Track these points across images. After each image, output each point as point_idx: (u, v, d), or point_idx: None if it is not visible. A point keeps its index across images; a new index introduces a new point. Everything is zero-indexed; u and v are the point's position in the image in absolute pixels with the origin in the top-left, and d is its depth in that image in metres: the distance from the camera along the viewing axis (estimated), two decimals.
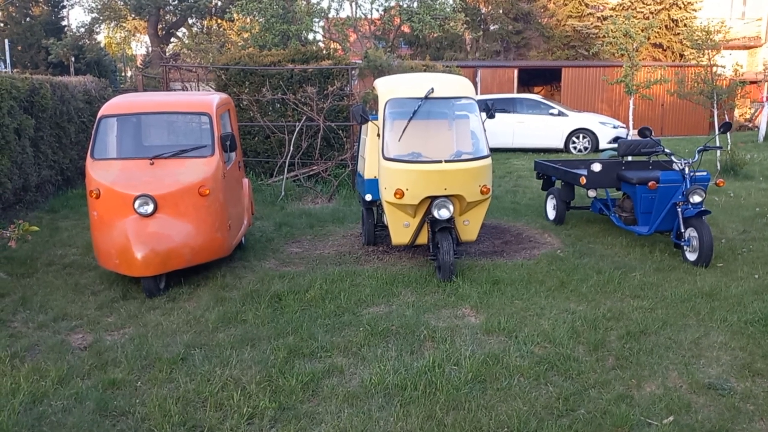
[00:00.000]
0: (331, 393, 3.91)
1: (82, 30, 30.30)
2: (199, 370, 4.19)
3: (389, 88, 6.58)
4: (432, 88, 6.26)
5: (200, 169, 5.94)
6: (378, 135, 6.38)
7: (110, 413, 3.71)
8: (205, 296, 5.66)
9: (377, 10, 23.91)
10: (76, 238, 7.71)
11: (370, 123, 6.66)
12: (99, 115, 6.18)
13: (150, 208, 5.63)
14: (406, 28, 23.55)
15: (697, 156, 6.90)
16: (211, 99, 6.50)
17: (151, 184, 5.73)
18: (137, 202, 5.62)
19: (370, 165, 6.84)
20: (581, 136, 16.68)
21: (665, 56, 27.56)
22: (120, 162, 6.01)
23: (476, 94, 20.52)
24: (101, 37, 36.62)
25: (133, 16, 31.89)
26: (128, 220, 5.63)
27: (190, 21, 32.89)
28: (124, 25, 36.26)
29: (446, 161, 6.03)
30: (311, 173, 10.95)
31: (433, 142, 6.54)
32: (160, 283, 5.72)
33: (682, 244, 6.58)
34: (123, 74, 33.56)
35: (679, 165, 6.67)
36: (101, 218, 5.78)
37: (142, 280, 5.64)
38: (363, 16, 23.67)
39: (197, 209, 5.84)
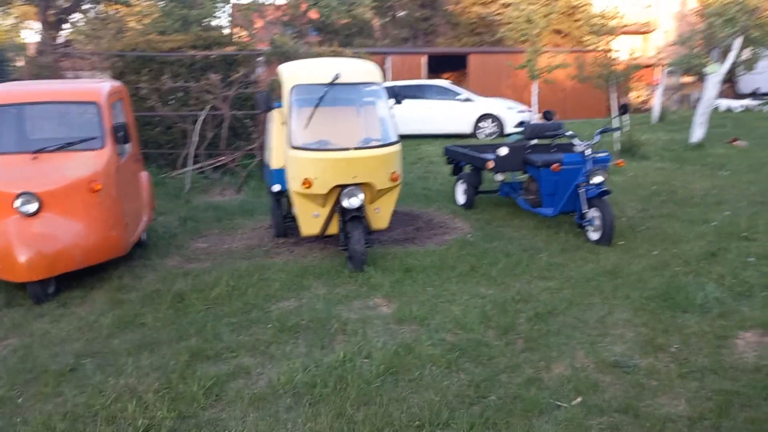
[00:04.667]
0: (236, 396, 3.71)
1: None
2: (91, 382, 3.88)
3: (294, 74, 6.36)
4: (338, 74, 6.09)
5: (90, 163, 5.53)
6: (283, 123, 6.16)
7: None
8: (100, 299, 5.28)
9: None
10: None
11: (275, 111, 6.43)
12: None
13: (33, 206, 5.18)
14: (314, 14, 23.20)
15: (597, 138, 7.09)
16: (100, 87, 6.07)
17: (34, 181, 5.28)
18: (19, 201, 5.16)
19: (276, 154, 6.60)
20: (489, 120, 16.97)
21: (565, 42, 28.51)
22: None
23: (387, 80, 20.53)
24: None
25: (21, 1, 29.78)
26: (9, 221, 5.15)
27: (84, 6, 31.07)
28: (10, 12, 33.86)
29: (355, 148, 5.89)
30: (218, 164, 10.54)
31: (341, 129, 6.37)
32: (48, 287, 5.28)
33: (585, 224, 6.74)
34: (14, 64, 31.36)
35: (580, 147, 6.82)
36: None
37: (27, 285, 5.18)
38: (269, 2, 23.14)
39: (88, 206, 5.42)
